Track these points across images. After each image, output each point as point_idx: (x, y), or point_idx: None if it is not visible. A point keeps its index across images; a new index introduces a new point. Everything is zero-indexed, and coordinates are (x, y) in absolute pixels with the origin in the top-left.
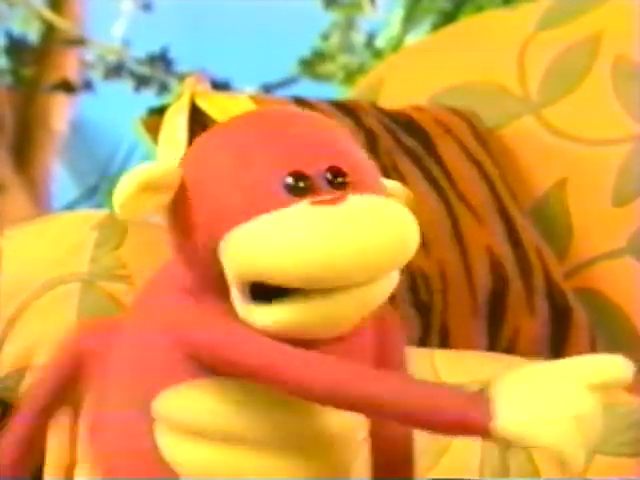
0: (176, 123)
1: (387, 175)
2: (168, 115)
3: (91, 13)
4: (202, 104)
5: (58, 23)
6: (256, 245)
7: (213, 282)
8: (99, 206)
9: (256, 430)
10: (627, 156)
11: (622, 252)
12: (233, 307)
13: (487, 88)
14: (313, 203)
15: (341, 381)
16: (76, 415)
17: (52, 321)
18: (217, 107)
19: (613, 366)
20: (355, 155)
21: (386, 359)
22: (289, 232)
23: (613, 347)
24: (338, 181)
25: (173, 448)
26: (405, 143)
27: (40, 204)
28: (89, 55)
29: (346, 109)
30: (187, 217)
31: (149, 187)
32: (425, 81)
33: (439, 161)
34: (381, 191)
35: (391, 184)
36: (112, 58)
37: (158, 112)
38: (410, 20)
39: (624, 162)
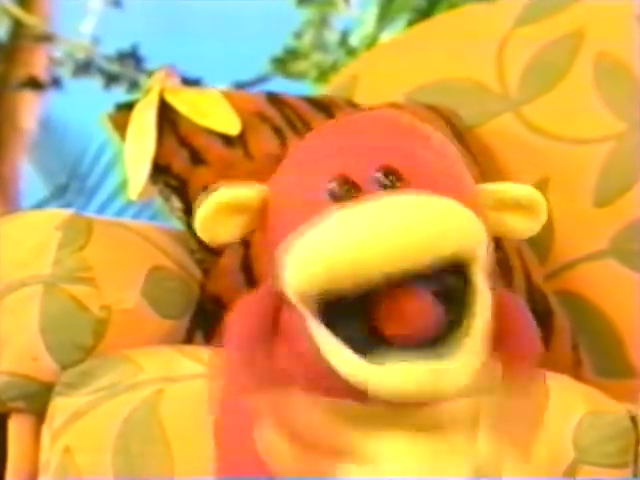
0: (144, 119)
1: None
2: (136, 111)
3: (60, 10)
4: (171, 99)
5: (26, 20)
6: (295, 261)
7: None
8: (69, 204)
9: None
10: (609, 155)
11: (604, 254)
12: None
13: (465, 85)
14: (339, 207)
15: None
16: (39, 423)
17: (14, 324)
18: (187, 102)
19: None
20: (416, 155)
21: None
22: (315, 243)
23: (595, 350)
24: (389, 180)
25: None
26: None
27: (9, 203)
28: (58, 52)
29: (320, 105)
30: (266, 234)
31: (228, 208)
32: (401, 78)
33: None
34: (447, 190)
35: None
36: (81, 55)
37: (126, 108)
38: (384, 18)
39: (606, 161)
